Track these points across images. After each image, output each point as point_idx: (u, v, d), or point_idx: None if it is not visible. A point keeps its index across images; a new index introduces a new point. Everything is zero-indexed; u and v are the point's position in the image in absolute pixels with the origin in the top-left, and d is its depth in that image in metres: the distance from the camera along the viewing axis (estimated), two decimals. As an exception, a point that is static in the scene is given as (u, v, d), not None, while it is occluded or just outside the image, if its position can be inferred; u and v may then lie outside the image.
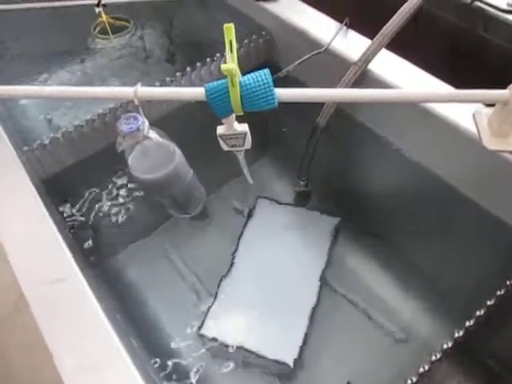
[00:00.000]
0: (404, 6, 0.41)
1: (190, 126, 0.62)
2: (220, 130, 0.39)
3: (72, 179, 0.52)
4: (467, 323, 0.36)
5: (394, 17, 0.42)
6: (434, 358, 0.34)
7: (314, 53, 0.44)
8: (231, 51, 0.33)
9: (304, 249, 0.60)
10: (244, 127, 0.39)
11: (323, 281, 0.59)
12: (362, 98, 0.35)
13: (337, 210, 0.64)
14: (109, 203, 0.55)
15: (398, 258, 0.62)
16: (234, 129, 0.39)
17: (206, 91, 0.35)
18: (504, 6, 0.45)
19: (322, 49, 0.44)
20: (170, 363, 0.53)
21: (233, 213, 0.69)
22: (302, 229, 0.62)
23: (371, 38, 0.49)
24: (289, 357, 0.50)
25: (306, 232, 0.62)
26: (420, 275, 0.58)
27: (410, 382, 0.34)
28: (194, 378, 0.52)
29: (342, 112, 0.53)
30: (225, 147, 0.42)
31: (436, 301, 0.55)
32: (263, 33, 0.59)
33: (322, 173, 0.61)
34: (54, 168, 0.50)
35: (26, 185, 0.42)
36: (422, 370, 0.33)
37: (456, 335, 0.36)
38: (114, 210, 0.57)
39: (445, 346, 0.35)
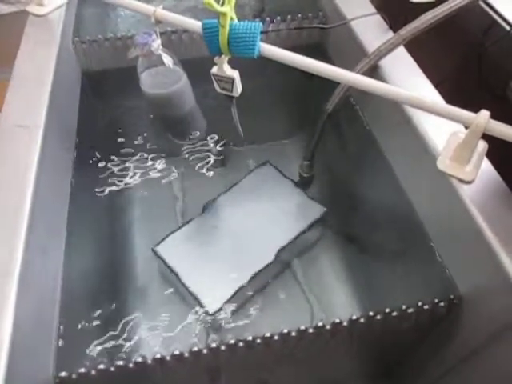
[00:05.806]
0: (424, 14, 0.42)
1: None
2: (213, 69, 0.44)
3: (105, 83, 0.60)
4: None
5: (414, 21, 0.42)
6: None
7: (315, 25, 0.45)
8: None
9: (277, 222, 0.62)
10: (233, 73, 0.43)
11: (286, 263, 0.61)
12: (335, 76, 0.37)
13: (330, 204, 0.65)
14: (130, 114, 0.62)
15: (360, 269, 0.61)
16: (223, 71, 0.43)
17: (203, 25, 0.39)
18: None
19: (329, 26, 0.46)
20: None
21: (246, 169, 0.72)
22: (287, 205, 0.64)
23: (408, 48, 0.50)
24: (212, 305, 0.53)
25: (288, 208, 0.64)
26: (372, 290, 0.57)
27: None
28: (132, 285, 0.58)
29: (350, 104, 0.54)
30: (217, 88, 0.46)
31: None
32: (320, 14, 0.61)
33: (325, 162, 0.62)
34: (94, 65, 0.58)
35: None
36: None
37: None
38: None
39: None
